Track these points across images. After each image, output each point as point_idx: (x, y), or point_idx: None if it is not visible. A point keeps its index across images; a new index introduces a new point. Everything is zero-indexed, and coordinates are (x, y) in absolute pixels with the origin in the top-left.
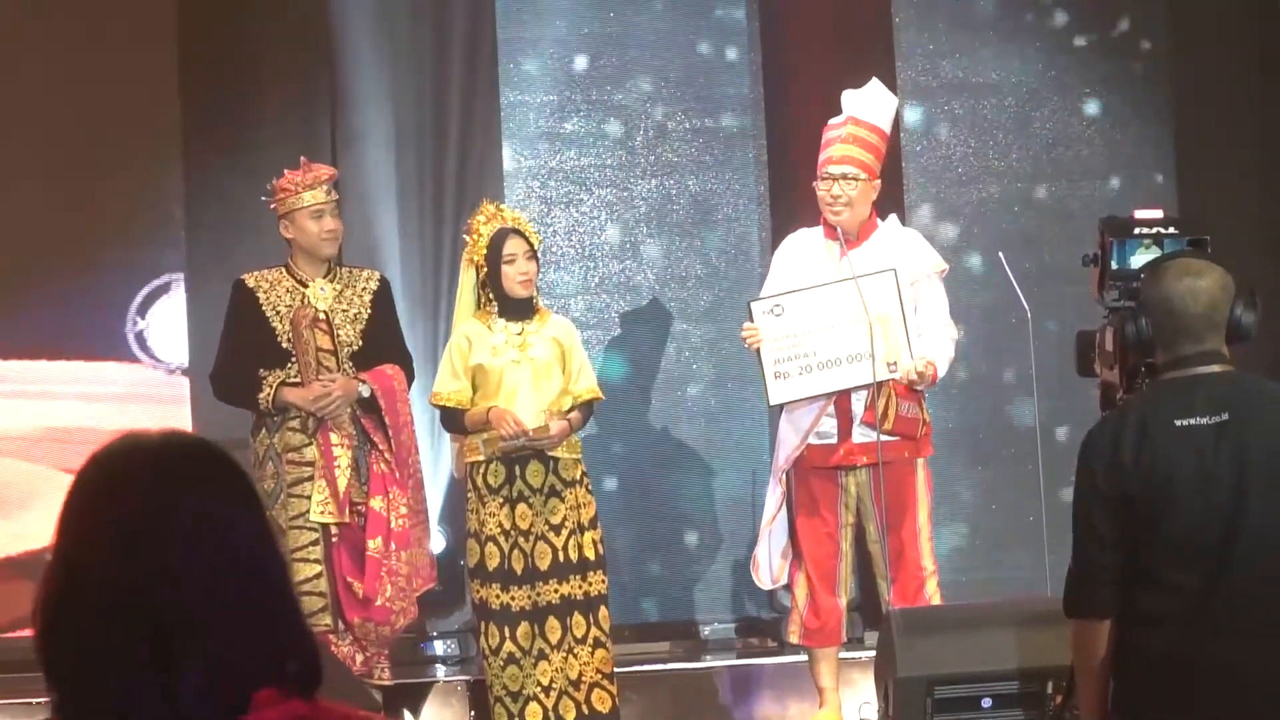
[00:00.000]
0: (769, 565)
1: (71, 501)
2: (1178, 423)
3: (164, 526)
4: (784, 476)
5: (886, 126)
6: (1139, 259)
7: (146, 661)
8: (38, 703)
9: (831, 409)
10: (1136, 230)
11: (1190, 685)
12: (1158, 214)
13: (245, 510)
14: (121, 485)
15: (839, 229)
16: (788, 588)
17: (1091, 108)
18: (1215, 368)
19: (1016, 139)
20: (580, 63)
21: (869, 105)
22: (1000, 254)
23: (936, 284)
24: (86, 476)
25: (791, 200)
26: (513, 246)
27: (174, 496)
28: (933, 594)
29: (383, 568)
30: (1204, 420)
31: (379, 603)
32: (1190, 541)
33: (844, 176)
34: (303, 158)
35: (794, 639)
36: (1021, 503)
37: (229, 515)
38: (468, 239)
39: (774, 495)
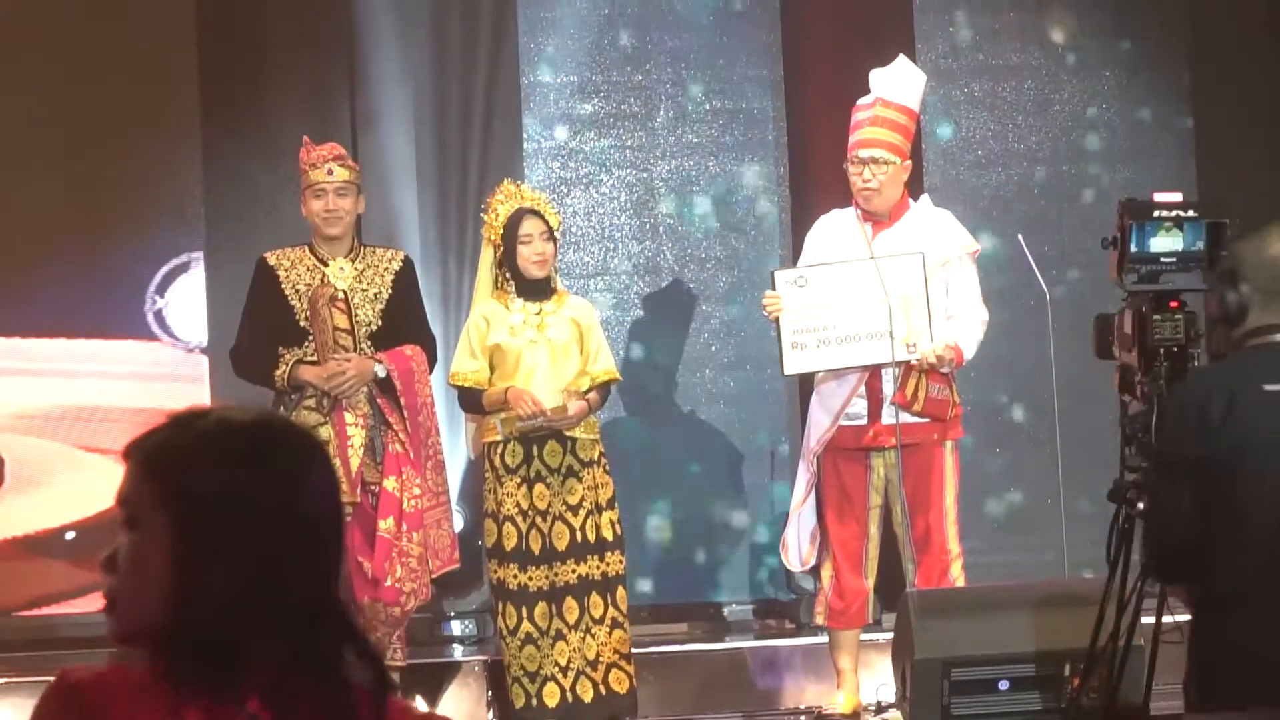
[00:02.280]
0: (798, 548)
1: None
2: (1266, 388)
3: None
4: (814, 459)
5: (916, 105)
6: (1158, 242)
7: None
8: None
9: (862, 390)
10: (1156, 213)
11: (1258, 671)
12: (1177, 197)
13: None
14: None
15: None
16: (815, 570)
17: (1111, 91)
18: None
19: (1036, 122)
20: (601, 43)
21: (897, 84)
22: (1019, 236)
23: (968, 265)
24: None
25: (811, 181)
26: (529, 226)
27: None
28: (957, 577)
29: (393, 549)
30: None
31: (388, 583)
32: (1262, 514)
33: (873, 160)
34: (305, 137)
35: (819, 620)
36: (1040, 485)
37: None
38: (486, 218)
39: (804, 478)
